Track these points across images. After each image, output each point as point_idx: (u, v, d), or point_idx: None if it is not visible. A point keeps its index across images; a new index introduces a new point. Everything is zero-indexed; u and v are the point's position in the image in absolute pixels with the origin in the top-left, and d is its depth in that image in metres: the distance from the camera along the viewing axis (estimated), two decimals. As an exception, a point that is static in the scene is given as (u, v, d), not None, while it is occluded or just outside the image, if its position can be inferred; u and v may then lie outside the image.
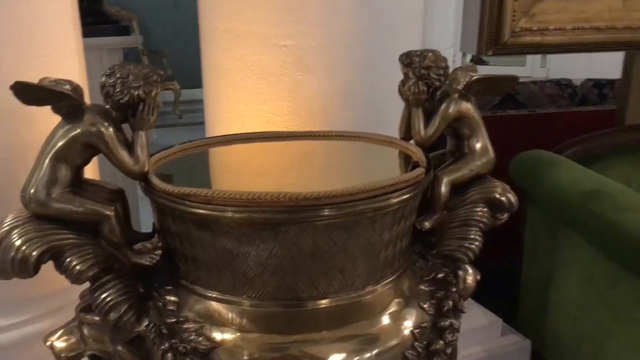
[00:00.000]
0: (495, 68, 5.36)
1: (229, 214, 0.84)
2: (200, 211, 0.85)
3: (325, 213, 0.83)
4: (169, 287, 0.93)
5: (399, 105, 1.14)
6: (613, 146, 2.01)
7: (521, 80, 2.55)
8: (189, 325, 0.89)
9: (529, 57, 5.52)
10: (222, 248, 0.87)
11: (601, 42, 1.83)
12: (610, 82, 2.53)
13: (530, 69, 5.49)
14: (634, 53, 1.90)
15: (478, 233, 1.03)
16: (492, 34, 1.73)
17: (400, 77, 1.11)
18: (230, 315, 0.90)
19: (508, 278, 1.99)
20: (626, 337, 1.58)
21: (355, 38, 1.44)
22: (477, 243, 1.03)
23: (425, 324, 0.93)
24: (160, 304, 0.91)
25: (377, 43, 1.46)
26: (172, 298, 0.92)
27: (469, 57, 5.56)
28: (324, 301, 0.90)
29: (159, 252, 0.95)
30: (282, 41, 1.42)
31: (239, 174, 1.11)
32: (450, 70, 1.09)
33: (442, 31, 5.13)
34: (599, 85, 2.56)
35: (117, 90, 0.89)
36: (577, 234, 1.73)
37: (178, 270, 0.94)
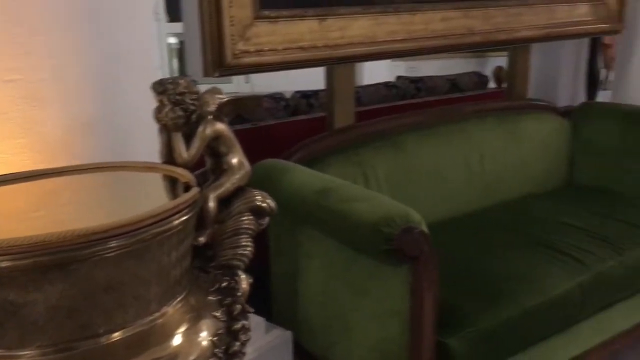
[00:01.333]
0: (206, 86, 5.54)
1: (9, 263, 0.79)
2: (-27, 266, 0.78)
3: (115, 244, 0.84)
4: (-63, 359, 0.83)
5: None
6: (327, 148, 2.30)
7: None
8: (-25, 393, 0.81)
9: (234, 74, 5.82)
10: (3, 301, 0.81)
11: (306, 59, 2.09)
12: (315, 93, 2.87)
13: (237, 85, 5.80)
14: (333, 67, 2.21)
15: (248, 240, 1.14)
16: (215, 57, 1.84)
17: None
18: (20, 370, 0.84)
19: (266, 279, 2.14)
20: (365, 308, 1.85)
21: (88, 69, 1.42)
22: (249, 249, 1.13)
23: (221, 330, 1.00)
24: None
25: (110, 73, 1.47)
26: (-55, 370, 0.82)
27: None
28: (121, 332, 0.90)
29: None
30: (8, 76, 1.33)
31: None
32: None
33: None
34: (306, 96, 2.88)
35: None
36: (313, 228, 1.96)
37: (-55, 337, 0.85)
